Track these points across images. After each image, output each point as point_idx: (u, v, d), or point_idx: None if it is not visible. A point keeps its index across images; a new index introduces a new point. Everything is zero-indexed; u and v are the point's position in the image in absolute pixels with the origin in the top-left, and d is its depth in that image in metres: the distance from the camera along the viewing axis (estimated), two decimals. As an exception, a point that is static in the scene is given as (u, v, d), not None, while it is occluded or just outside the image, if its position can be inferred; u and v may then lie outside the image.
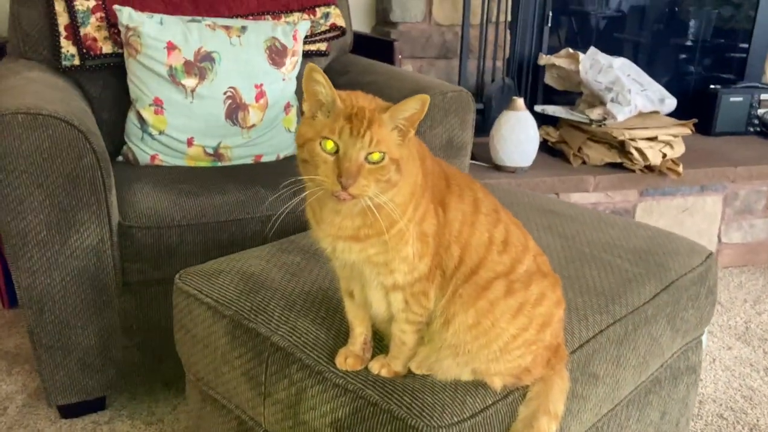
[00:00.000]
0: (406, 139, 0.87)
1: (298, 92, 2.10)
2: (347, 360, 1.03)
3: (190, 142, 1.88)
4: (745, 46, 3.09)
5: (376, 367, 1.02)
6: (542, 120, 2.72)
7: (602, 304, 1.24)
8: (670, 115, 2.70)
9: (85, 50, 1.93)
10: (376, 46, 2.39)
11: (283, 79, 1.98)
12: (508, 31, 2.76)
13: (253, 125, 1.93)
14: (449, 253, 0.94)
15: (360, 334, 1.04)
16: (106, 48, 1.94)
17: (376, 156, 0.84)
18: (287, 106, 2.02)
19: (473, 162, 2.49)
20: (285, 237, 1.43)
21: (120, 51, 1.94)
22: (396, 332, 0.99)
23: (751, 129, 3.09)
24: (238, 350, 1.13)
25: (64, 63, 1.92)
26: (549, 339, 1.02)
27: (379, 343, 1.07)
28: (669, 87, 2.89)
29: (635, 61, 2.93)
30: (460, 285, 0.95)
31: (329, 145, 0.83)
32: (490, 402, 0.99)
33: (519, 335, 0.97)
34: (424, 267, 0.93)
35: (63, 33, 1.91)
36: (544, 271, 1.02)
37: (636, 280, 1.32)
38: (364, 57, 2.31)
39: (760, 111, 3.07)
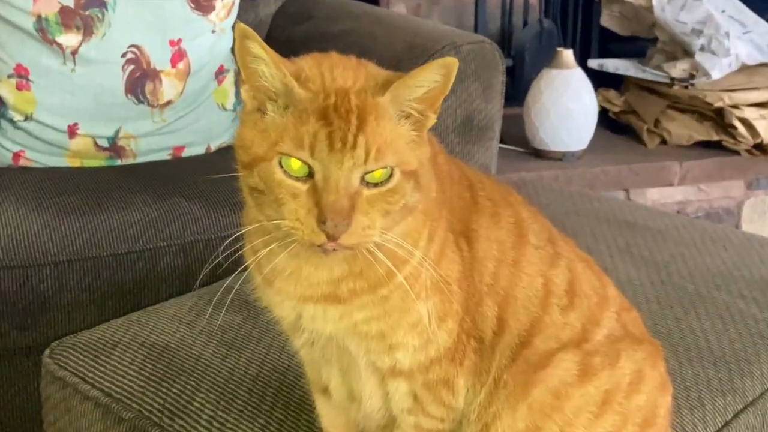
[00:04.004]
0: (424, 130, 0.81)
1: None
2: (321, 501, 0.95)
3: (72, 131, 1.82)
4: None
5: None
6: (599, 80, 2.66)
7: (724, 379, 1.16)
8: (787, 68, 2.65)
9: None
10: (351, -24, 2.30)
11: (213, 31, 1.93)
12: (545, -49, 2.78)
13: (169, 102, 1.88)
14: (480, 313, 0.89)
15: (341, 453, 0.96)
16: (-59, -8, 1.83)
17: (378, 174, 0.77)
18: (220, 72, 1.96)
19: (501, 146, 2.39)
20: (220, 278, 1.36)
21: (-38, -3, 1.81)
22: (400, 448, 0.92)
23: None
24: (148, 476, 1.05)
25: None
26: (653, 446, 0.95)
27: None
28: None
29: (732, -12, 2.85)
30: (505, 367, 0.89)
31: (296, 165, 0.76)
32: None
33: (608, 445, 0.90)
34: (447, 337, 0.87)
35: None
36: (636, 335, 0.96)
37: (772, 336, 1.25)
38: (335, -6, 2.27)
39: None
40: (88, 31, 1.78)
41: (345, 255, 0.79)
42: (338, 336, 0.86)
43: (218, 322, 1.22)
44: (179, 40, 1.87)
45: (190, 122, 1.91)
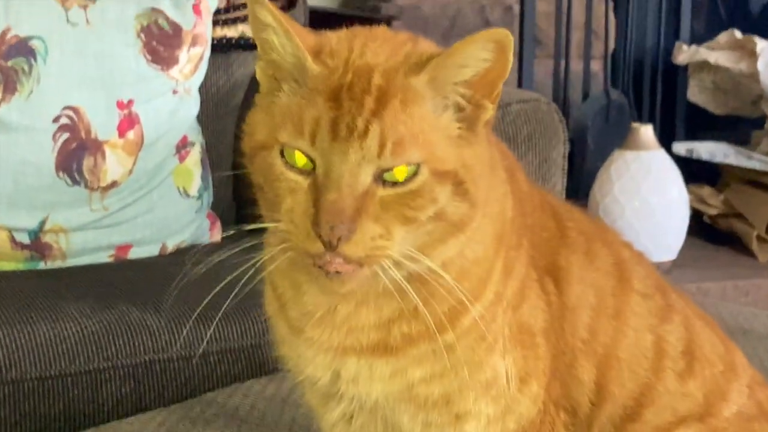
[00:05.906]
0: (477, 125, 0.81)
1: (207, 116, 2.05)
2: None
3: (-16, 221, 1.79)
4: None
5: None
6: (687, 173, 2.59)
7: None
8: None
9: None
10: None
11: (175, 92, 1.90)
12: (611, 4, 2.80)
13: (114, 184, 1.83)
14: (573, 376, 0.91)
15: None
16: None
17: (401, 171, 0.77)
18: (183, 146, 1.93)
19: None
20: (196, 392, 1.47)
21: None
22: None
23: None
24: None
25: None
26: None
27: None
28: None
29: None
30: None
31: (298, 158, 0.79)
32: None
33: None
34: (531, 404, 0.88)
35: None
36: None
37: None
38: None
39: None
40: (9, 87, 1.75)
41: (359, 282, 0.79)
42: (388, 404, 0.86)
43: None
44: (130, 102, 1.83)
45: (141, 212, 1.84)
